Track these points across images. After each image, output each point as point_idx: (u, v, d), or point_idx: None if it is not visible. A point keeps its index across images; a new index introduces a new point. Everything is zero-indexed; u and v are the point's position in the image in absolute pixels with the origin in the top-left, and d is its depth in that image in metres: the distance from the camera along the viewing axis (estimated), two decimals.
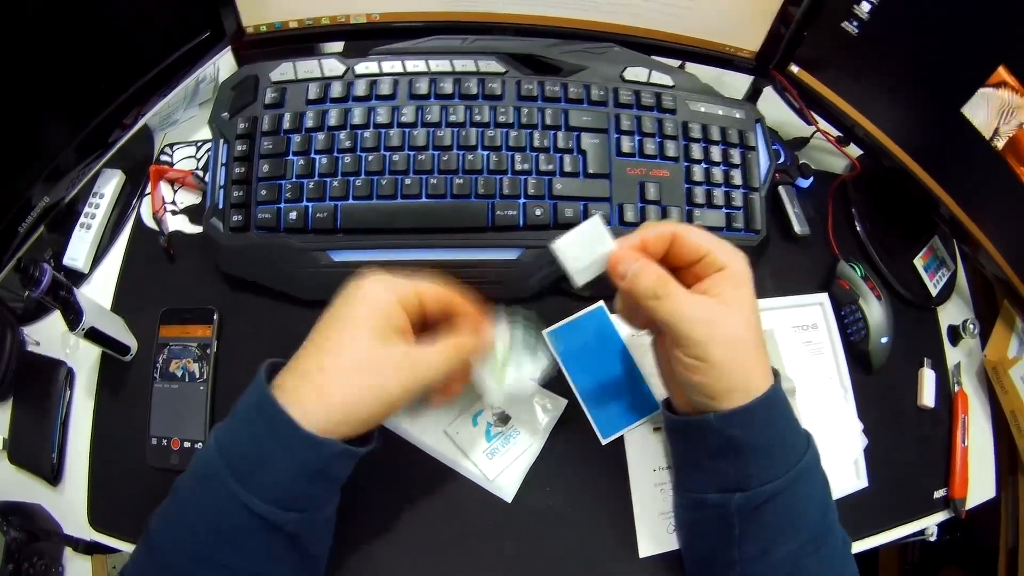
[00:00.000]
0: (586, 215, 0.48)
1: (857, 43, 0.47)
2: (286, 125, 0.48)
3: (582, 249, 0.37)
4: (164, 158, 0.56)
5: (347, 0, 0.51)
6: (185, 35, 0.52)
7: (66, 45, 0.44)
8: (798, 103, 0.53)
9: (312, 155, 0.48)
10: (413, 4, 0.51)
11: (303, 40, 0.54)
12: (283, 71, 0.50)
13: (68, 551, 0.47)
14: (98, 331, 0.44)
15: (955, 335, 0.56)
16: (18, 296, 0.52)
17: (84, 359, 0.49)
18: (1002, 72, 0.40)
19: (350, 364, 0.33)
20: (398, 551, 0.42)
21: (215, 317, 0.48)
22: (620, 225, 0.48)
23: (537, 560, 0.43)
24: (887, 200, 0.57)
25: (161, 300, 0.49)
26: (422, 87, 0.49)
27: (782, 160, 0.54)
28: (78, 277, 0.52)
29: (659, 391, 0.46)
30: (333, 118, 0.48)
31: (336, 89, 0.49)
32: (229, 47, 0.53)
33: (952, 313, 0.57)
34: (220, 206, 0.48)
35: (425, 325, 0.38)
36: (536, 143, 0.48)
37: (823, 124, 0.54)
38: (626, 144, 0.49)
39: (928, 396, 0.51)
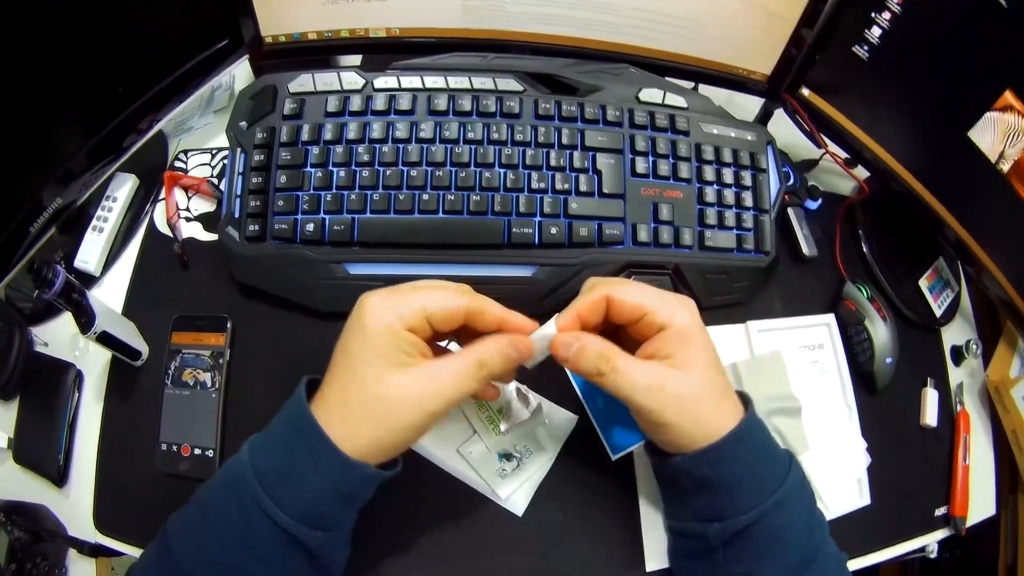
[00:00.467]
0: (600, 234, 0.48)
1: (867, 67, 0.48)
2: (304, 137, 0.49)
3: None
4: (178, 164, 0.57)
5: (367, 14, 0.51)
6: (203, 42, 0.52)
7: (83, 49, 0.44)
8: (808, 126, 0.54)
9: (330, 167, 0.48)
10: (432, 20, 0.52)
11: (321, 52, 0.54)
12: (302, 82, 0.50)
13: (72, 553, 0.47)
14: (110, 335, 0.44)
15: (958, 355, 0.56)
16: (27, 296, 0.52)
17: (94, 363, 0.49)
18: (1008, 96, 0.40)
19: (371, 398, 0.33)
20: (408, 562, 0.43)
21: (228, 325, 0.48)
22: (634, 245, 0.49)
23: (546, 573, 0.43)
24: (893, 222, 0.58)
25: (173, 306, 0.49)
26: (441, 103, 0.49)
27: (791, 182, 0.55)
28: (89, 280, 0.52)
29: None
30: (352, 131, 0.48)
31: (355, 102, 0.49)
32: (246, 56, 0.54)
33: (955, 333, 0.58)
34: (236, 215, 0.49)
35: (455, 333, 0.37)
36: (552, 162, 0.49)
37: (832, 147, 0.55)
38: (640, 165, 0.50)
39: (931, 416, 0.52)
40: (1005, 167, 0.43)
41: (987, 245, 0.49)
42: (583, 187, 0.49)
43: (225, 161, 0.56)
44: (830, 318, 0.53)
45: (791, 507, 0.36)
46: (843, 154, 0.56)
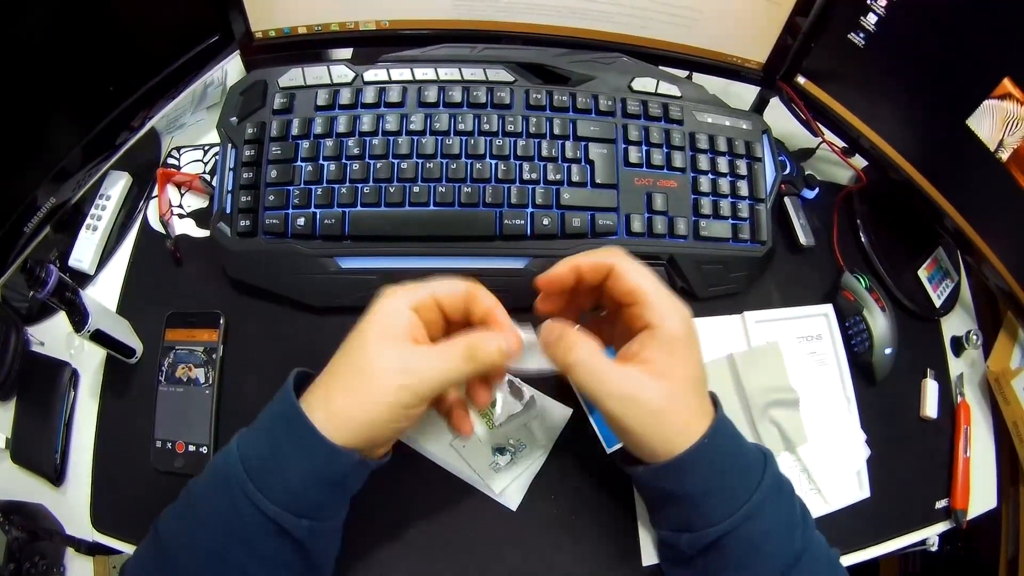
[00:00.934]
0: (593, 225, 0.48)
1: (863, 55, 0.47)
2: (295, 131, 0.48)
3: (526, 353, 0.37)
4: (171, 161, 0.56)
5: (356, 7, 0.51)
6: (194, 39, 0.52)
7: (75, 47, 0.44)
8: (804, 114, 0.54)
9: (320, 161, 0.48)
10: (422, 12, 0.51)
11: (312, 46, 0.54)
12: (292, 77, 0.50)
13: (70, 552, 0.47)
14: (104, 333, 0.44)
15: (958, 346, 0.56)
16: (23, 296, 0.52)
17: (89, 361, 0.49)
18: (1007, 84, 0.40)
19: (353, 366, 0.33)
20: (401, 557, 0.43)
21: (221, 321, 0.48)
22: (628, 236, 0.48)
23: (541, 567, 0.43)
24: (892, 211, 0.57)
25: (167, 303, 0.49)
26: (431, 95, 0.49)
27: (788, 171, 0.54)
28: (83, 278, 0.52)
29: None
30: (342, 125, 0.48)
31: (345, 96, 0.49)
32: (237, 51, 0.54)
33: (955, 324, 0.57)
34: (228, 211, 0.48)
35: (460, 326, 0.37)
36: (544, 152, 0.48)
37: (829, 135, 0.54)
38: (633, 154, 0.49)
39: (931, 407, 0.52)
40: (1004, 155, 0.42)
41: (987, 234, 0.48)
42: (575, 177, 0.48)
43: (217, 157, 0.55)
44: (828, 308, 0.52)
45: (767, 514, 0.34)
46: (840, 143, 0.55)
